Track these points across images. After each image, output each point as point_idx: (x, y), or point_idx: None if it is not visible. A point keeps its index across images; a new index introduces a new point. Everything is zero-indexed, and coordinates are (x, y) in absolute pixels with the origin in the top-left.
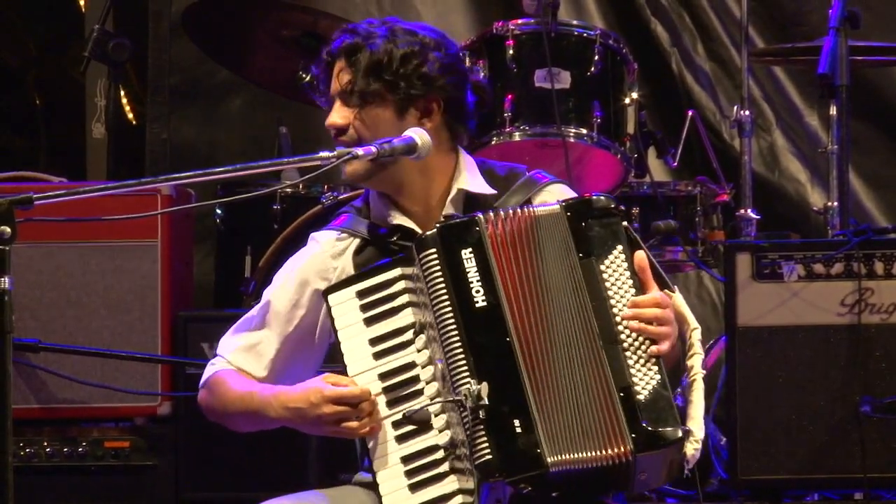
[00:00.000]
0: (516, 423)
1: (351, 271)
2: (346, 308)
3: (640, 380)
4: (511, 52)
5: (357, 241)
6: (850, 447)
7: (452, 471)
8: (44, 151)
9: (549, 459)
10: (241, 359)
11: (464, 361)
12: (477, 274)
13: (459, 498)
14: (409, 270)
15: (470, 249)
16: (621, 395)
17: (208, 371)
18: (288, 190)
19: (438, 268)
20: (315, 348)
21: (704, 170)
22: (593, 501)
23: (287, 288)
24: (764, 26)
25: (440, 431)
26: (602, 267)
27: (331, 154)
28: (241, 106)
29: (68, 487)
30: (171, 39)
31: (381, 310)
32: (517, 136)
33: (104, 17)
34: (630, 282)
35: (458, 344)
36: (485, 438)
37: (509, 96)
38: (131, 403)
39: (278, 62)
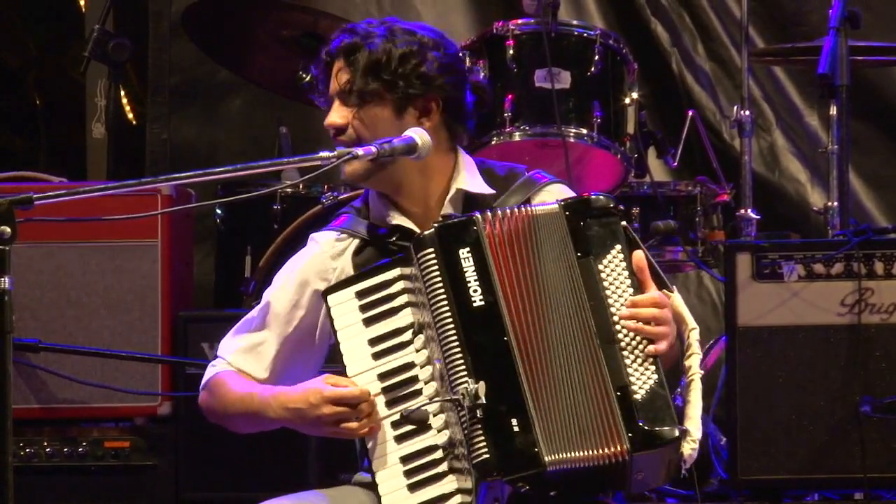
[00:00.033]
0: (514, 422)
1: (350, 272)
2: (345, 308)
3: (638, 379)
4: (511, 52)
5: (356, 241)
6: (850, 447)
7: (451, 470)
8: (44, 151)
9: (546, 458)
10: (241, 360)
11: (461, 361)
12: (475, 273)
13: (458, 498)
14: (407, 271)
15: (468, 249)
16: (618, 394)
17: (209, 373)
18: (288, 190)
19: (436, 267)
20: (315, 349)
21: (704, 170)
22: (591, 500)
23: (287, 289)
24: (764, 26)
25: (439, 431)
26: (600, 266)
27: (331, 154)
28: (241, 106)
29: (68, 487)
30: (171, 39)
31: (381, 310)
32: (517, 136)
33: (104, 17)
34: (628, 281)
35: (456, 343)
36: (482, 438)
37: (509, 96)
38: (131, 403)
39: (278, 62)
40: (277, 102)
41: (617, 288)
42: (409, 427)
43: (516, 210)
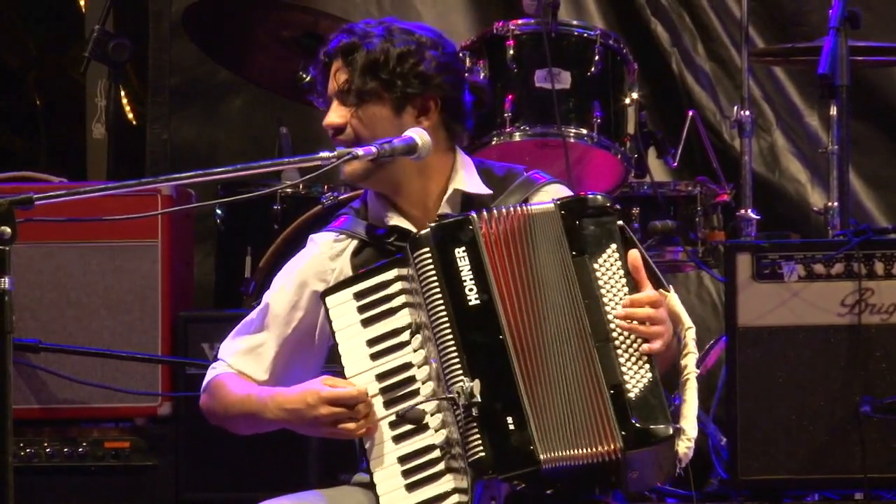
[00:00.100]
0: (509, 420)
1: (349, 272)
2: (343, 310)
3: (632, 378)
4: (511, 52)
5: (355, 242)
6: (850, 447)
7: (448, 470)
8: (44, 151)
9: (541, 456)
10: (241, 362)
11: (457, 359)
12: (470, 272)
13: (455, 497)
14: (405, 271)
15: (463, 248)
16: (612, 392)
17: (209, 375)
18: (288, 190)
19: (432, 267)
20: (315, 350)
21: (704, 170)
22: (587, 499)
23: (286, 290)
24: (764, 26)
25: (436, 431)
26: (595, 265)
27: (331, 154)
28: (242, 106)
29: (68, 488)
30: (171, 39)
31: (379, 311)
32: (517, 137)
33: (104, 18)
34: (623, 280)
35: (452, 342)
36: (478, 436)
37: (509, 96)
38: (131, 404)
39: (278, 62)
40: (277, 102)
41: (612, 287)
42: (407, 427)
43: (512, 209)
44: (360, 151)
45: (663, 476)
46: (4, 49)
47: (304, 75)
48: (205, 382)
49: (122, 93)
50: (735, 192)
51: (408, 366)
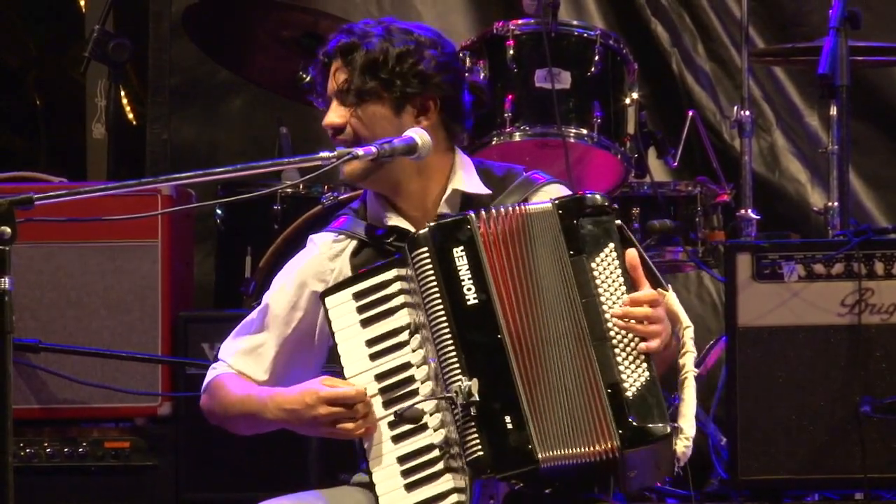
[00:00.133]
0: (507, 419)
1: (348, 273)
2: (342, 310)
3: (629, 377)
4: (511, 52)
5: (354, 242)
6: (850, 447)
7: (447, 469)
8: (44, 151)
9: (539, 455)
10: (241, 362)
11: (455, 359)
12: (468, 272)
13: (454, 497)
14: (404, 271)
15: (461, 248)
16: (609, 391)
17: (209, 375)
18: (288, 190)
19: (430, 266)
20: (315, 350)
21: (705, 170)
22: (585, 498)
23: (285, 290)
24: (764, 26)
25: (435, 430)
26: (593, 265)
27: (331, 154)
28: (242, 106)
29: (68, 488)
30: (171, 39)
31: (378, 311)
32: (517, 137)
33: (104, 18)
34: (621, 279)
35: (450, 341)
36: (476, 435)
37: (510, 96)
38: (131, 404)
39: (278, 62)
40: (277, 102)
41: (609, 286)
42: (406, 427)
43: (510, 209)
44: (360, 151)
45: (662, 475)
46: (4, 49)
47: (304, 75)
48: (205, 383)
49: (122, 93)
50: (735, 192)
51: (407, 366)
